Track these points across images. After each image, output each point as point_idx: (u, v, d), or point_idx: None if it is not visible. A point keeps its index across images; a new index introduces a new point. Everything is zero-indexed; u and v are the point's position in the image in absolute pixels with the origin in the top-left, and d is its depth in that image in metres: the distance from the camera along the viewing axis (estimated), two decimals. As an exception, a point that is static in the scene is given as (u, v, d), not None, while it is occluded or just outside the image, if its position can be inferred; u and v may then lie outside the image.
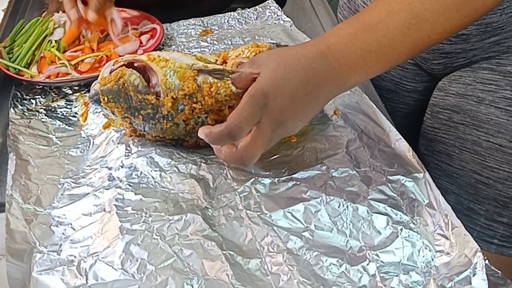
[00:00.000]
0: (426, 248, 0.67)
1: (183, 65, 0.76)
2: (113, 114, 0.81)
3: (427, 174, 0.75)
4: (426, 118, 1.02)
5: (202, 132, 0.70)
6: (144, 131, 0.81)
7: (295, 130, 0.72)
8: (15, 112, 0.92)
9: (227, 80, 0.73)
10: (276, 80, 0.67)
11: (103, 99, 0.78)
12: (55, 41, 1.05)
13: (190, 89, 0.74)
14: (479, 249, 0.65)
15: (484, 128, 0.92)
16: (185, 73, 0.75)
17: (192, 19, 1.20)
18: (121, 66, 0.78)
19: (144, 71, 0.78)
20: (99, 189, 0.76)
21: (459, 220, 0.69)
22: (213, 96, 0.73)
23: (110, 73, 0.78)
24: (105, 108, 0.80)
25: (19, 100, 0.95)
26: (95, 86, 0.81)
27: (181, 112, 0.76)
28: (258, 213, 0.71)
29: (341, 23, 0.70)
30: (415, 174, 0.75)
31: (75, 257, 0.67)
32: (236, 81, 0.72)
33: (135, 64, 0.78)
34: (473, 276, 0.63)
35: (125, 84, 0.76)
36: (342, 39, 0.68)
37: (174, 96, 0.75)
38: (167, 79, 0.75)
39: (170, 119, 0.77)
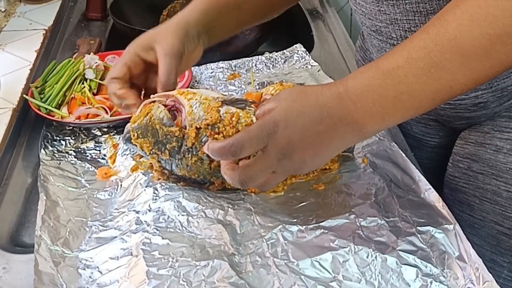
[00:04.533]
0: (457, 303, 0.66)
1: (209, 97, 0.78)
2: (142, 150, 0.81)
3: (457, 226, 0.74)
4: (449, 167, 1.00)
5: (206, 145, 0.71)
6: (171, 170, 0.82)
7: (302, 167, 0.71)
8: (46, 153, 0.93)
9: (250, 110, 0.74)
10: (291, 111, 0.68)
11: (133, 136, 0.80)
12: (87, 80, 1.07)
13: (213, 118, 0.75)
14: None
15: (504, 177, 0.89)
16: (210, 104, 0.77)
17: (221, 62, 1.21)
18: (152, 102, 0.80)
19: (175, 108, 0.80)
20: (126, 232, 0.76)
21: (490, 274, 0.67)
22: (234, 125, 0.74)
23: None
24: (135, 145, 0.81)
25: (49, 141, 0.97)
26: (128, 125, 0.82)
27: (204, 144, 0.76)
28: (285, 261, 0.71)
29: (362, 67, 0.70)
30: (445, 226, 0.74)
31: (101, 301, 0.67)
32: (258, 116, 0.73)
33: (167, 100, 0.81)
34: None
35: (152, 118, 0.78)
36: (359, 82, 0.67)
37: (198, 126, 0.76)
38: (192, 110, 0.77)
39: (194, 152, 0.78)
